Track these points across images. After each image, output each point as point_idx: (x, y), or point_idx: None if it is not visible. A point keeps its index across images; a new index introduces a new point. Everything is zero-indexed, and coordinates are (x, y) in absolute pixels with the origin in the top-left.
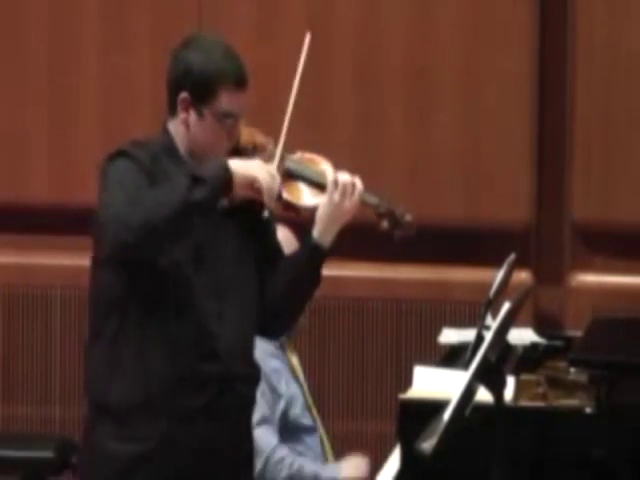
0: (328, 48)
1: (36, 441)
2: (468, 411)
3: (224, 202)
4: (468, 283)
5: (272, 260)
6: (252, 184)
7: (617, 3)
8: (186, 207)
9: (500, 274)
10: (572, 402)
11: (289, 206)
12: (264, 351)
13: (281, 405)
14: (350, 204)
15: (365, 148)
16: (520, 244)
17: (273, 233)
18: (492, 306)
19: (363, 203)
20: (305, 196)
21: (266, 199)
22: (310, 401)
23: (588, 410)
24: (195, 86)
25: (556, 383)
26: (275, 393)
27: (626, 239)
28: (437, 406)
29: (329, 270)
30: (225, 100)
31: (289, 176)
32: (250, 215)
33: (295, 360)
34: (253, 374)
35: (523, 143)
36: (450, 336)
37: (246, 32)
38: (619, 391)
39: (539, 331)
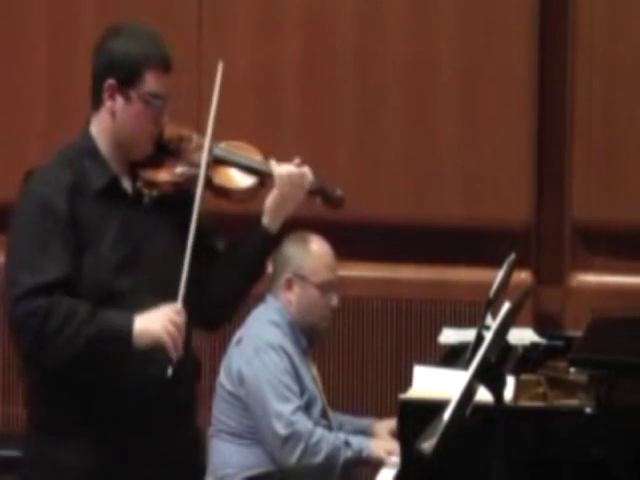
0: (328, 47)
1: None
2: (468, 411)
3: (153, 194)
4: (468, 283)
5: (208, 260)
6: (157, 343)
7: (617, 2)
8: (81, 351)
9: (500, 274)
10: (572, 402)
11: (221, 190)
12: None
13: (305, 397)
14: (301, 193)
15: (365, 147)
16: (520, 244)
17: (210, 234)
18: (492, 306)
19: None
20: (236, 179)
21: (172, 353)
22: (328, 410)
23: (588, 410)
24: (120, 70)
25: (556, 383)
26: (298, 378)
27: (626, 239)
28: (437, 406)
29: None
30: (151, 81)
31: (218, 162)
32: (177, 207)
33: (314, 370)
34: (195, 372)
35: (523, 143)
36: (450, 336)
37: (246, 32)
38: (619, 391)
39: (539, 331)
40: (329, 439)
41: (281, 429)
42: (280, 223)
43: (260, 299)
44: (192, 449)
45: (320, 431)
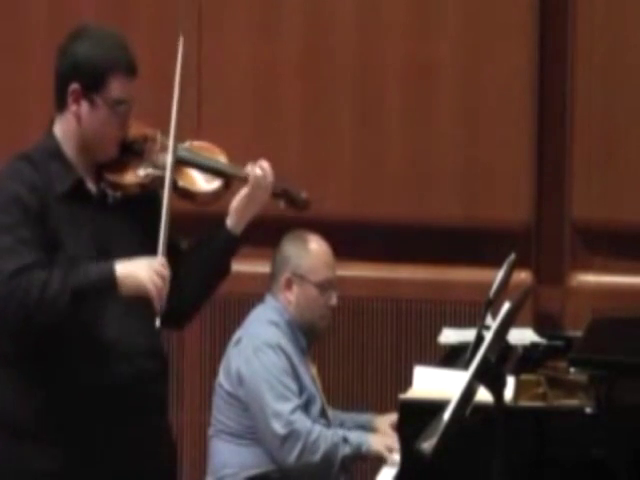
0: (328, 47)
1: None
2: (468, 411)
3: (117, 194)
4: (468, 283)
5: (172, 258)
6: (140, 293)
7: (617, 3)
8: (68, 309)
9: (500, 274)
10: (572, 402)
11: (186, 193)
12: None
13: (303, 397)
14: (265, 194)
15: (365, 147)
16: (520, 244)
17: (173, 232)
18: (492, 306)
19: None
20: (200, 182)
21: (156, 304)
22: (327, 409)
23: (588, 410)
24: (85, 75)
25: (556, 383)
26: (295, 376)
27: (626, 239)
28: (437, 406)
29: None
30: (116, 87)
31: (183, 164)
32: (143, 205)
33: (314, 369)
34: (164, 369)
35: (523, 143)
36: (450, 336)
37: (246, 32)
38: (619, 391)
39: (539, 331)
40: (327, 436)
41: (280, 428)
42: (244, 225)
43: (259, 299)
44: (163, 450)
45: (318, 429)
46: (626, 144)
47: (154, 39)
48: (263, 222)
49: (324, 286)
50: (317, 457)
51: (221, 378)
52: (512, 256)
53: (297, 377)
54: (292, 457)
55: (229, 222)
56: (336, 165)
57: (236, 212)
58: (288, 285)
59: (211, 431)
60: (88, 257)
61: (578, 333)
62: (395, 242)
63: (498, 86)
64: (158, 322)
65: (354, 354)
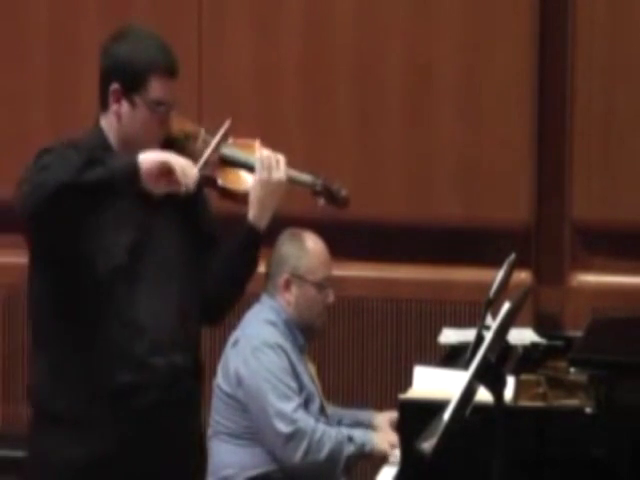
0: (328, 47)
1: None
2: (468, 411)
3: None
4: (468, 283)
5: (207, 246)
6: (162, 169)
7: (617, 2)
8: (73, 183)
9: (500, 274)
10: (572, 402)
11: (225, 192)
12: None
13: (303, 395)
14: (277, 177)
15: (365, 148)
16: (520, 244)
17: (208, 217)
18: (492, 306)
19: (299, 183)
20: (240, 181)
21: (181, 179)
22: (326, 407)
23: (588, 410)
24: (126, 75)
25: (556, 383)
26: (295, 375)
27: (626, 239)
28: (437, 406)
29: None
30: (156, 88)
31: (223, 162)
32: (187, 203)
33: (312, 368)
34: (197, 365)
35: (523, 143)
36: (450, 336)
37: (246, 32)
38: (619, 391)
39: (539, 331)
40: (331, 435)
41: (284, 427)
42: (266, 216)
43: (255, 298)
44: (192, 449)
45: (322, 427)
46: (626, 144)
47: None
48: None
49: (323, 285)
50: (322, 455)
51: (219, 379)
52: (512, 256)
53: (296, 376)
54: (297, 456)
55: (250, 214)
56: (336, 165)
57: (253, 203)
58: (287, 286)
59: (210, 432)
60: (126, 253)
61: (578, 333)
62: (395, 242)
63: (498, 86)
64: (184, 188)
65: (354, 354)
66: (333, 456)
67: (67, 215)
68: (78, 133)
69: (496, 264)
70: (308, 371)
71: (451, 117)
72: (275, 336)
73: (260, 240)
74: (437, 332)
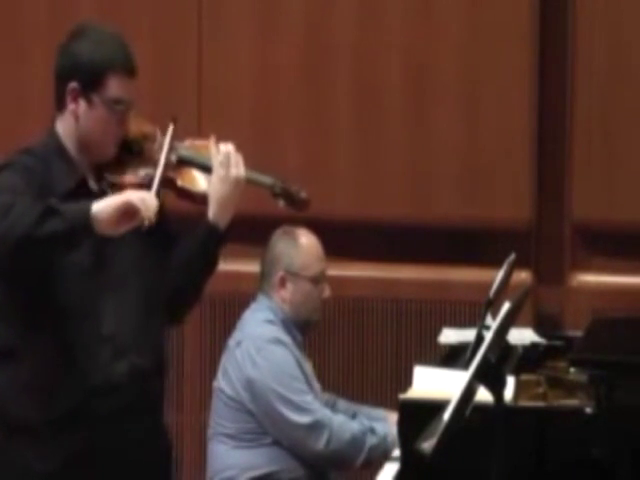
0: (328, 47)
1: None
2: (468, 411)
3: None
4: (468, 283)
5: (166, 246)
6: (124, 212)
7: (617, 3)
8: (32, 238)
9: (500, 274)
10: (572, 402)
11: (184, 193)
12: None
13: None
14: (235, 173)
15: (365, 147)
16: (520, 244)
17: (165, 216)
18: (492, 306)
19: (259, 184)
20: (199, 182)
21: (143, 213)
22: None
23: (588, 410)
24: (83, 74)
25: (556, 383)
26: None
27: (626, 239)
28: (437, 406)
29: (330, 270)
30: (114, 86)
31: (182, 163)
32: None
33: (309, 365)
34: (161, 366)
35: (523, 143)
36: (450, 336)
37: (246, 32)
38: (619, 391)
39: (539, 331)
40: (352, 424)
41: (303, 419)
42: (226, 214)
43: (252, 298)
44: (158, 452)
45: (341, 417)
46: (626, 144)
47: (154, 39)
48: (263, 221)
49: (317, 279)
50: (345, 443)
51: (221, 382)
52: (512, 256)
53: (302, 369)
54: (320, 445)
55: (209, 213)
56: (336, 165)
57: (212, 201)
58: (282, 283)
59: (209, 433)
60: (87, 258)
61: (578, 333)
62: (395, 242)
63: (498, 86)
64: (147, 222)
65: (354, 354)
66: (356, 444)
67: (27, 263)
68: (33, 139)
69: (496, 264)
70: (308, 367)
71: (451, 117)
72: (276, 332)
73: (221, 239)
74: (437, 332)
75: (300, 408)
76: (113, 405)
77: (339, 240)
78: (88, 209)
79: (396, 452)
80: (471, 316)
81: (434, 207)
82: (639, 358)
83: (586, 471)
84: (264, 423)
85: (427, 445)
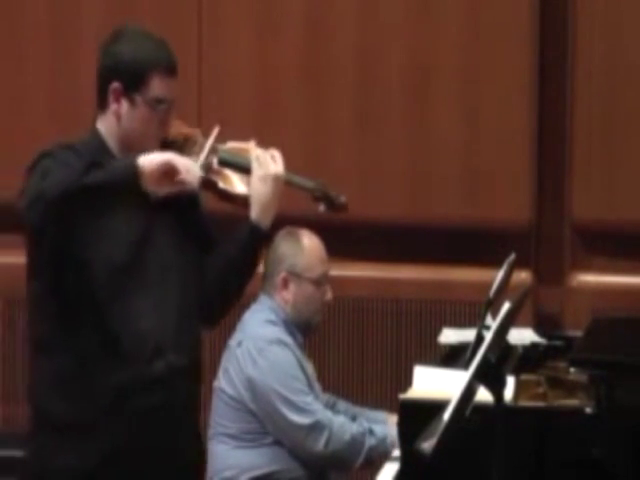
0: (328, 47)
1: None
2: (468, 411)
3: (159, 194)
4: (468, 283)
5: (205, 248)
6: (165, 169)
7: (617, 3)
8: (77, 188)
9: (500, 274)
10: (572, 402)
11: (226, 195)
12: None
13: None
14: (274, 171)
15: (365, 148)
16: (520, 244)
17: (205, 217)
18: (492, 306)
19: (299, 187)
20: (240, 184)
21: (185, 178)
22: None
23: (588, 410)
24: (126, 74)
25: (556, 383)
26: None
27: (626, 239)
28: (437, 406)
29: (330, 270)
30: (156, 86)
31: (223, 165)
32: (182, 206)
33: (310, 366)
34: (198, 366)
35: (523, 143)
36: (450, 336)
37: (246, 32)
38: (619, 391)
39: (539, 331)
40: (352, 425)
41: (303, 420)
42: (268, 215)
43: (253, 299)
44: (191, 452)
45: (341, 418)
46: (626, 144)
47: None
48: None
49: (320, 281)
50: (344, 445)
51: (222, 382)
52: (512, 256)
53: (303, 370)
54: (320, 446)
55: (252, 213)
56: (336, 165)
57: (254, 201)
58: (284, 284)
59: (210, 433)
60: (127, 254)
61: (578, 333)
62: (395, 242)
63: (498, 86)
64: (189, 188)
65: (354, 354)
66: (355, 446)
67: (70, 221)
68: (76, 137)
69: (496, 264)
70: (310, 368)
71: (451, 117)
72: (277, 333)
73: (263, 240)
74: (437, 332)
75: (300, 409)
76: (149, 403)
77: (339, 240)
78: (134, 160)
79: (396, 452)
80: (471, 316)
81: (434, 207)
82: (639, 358)
83: (586, 471)
84: (265, 423)
85: (427, 445)
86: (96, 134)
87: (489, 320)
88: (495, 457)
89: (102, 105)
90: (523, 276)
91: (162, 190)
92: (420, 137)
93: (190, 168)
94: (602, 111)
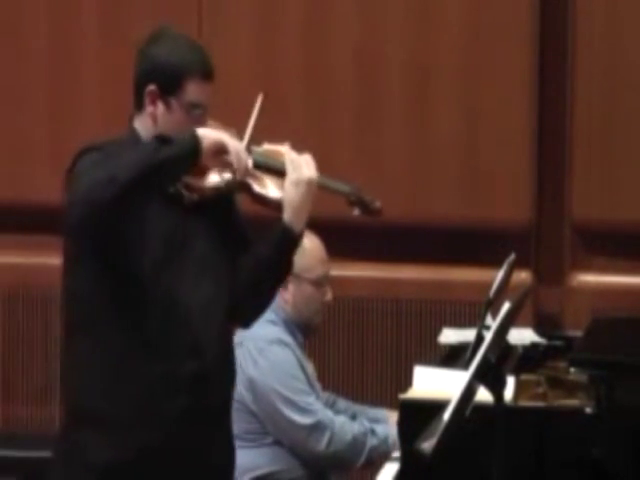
0: (328, 48)
1: (36, 441)
2: (468, 411)
3: (194, 197)
4: (468, 283)
5: (240, 247)
6: (220, 148)
7: (617, 3)
8: (151, 165)
9: (500, 274)
10: (572, 402)
11: (259, 198)
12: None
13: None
14: (308, 175)
15: (365, 147)
16: (520, 244)
17: (240, 220)
18: (492, 306)
19: (334, 192)
20: (274, 188)
21: (235, 161)
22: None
23: (588, 410)
24: (162, 77)
25: (556, 383)
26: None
27: (626, 239)
28: (437, 406)
29: (330, 270)
30: (192, 91)
31: (257, 168)
32: (218, 205)
33: (311, 365)
34: (232, 368)
35: (523, 143)
36: (450, 336)
37: (246, 32)
38: (619, 391)
39: (539, 331)
40: (353, 425)
41: (304, 420)
42: (300, 218)
43: None
44: (222, 454)
45: (342, 418)
46: (626, 144)
47: None
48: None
49: (320, 282)
50: (345, 445)
51: None
52: (512, 256)
53: (303, 370)
54: (321, 446)
55: (285, 215)
56: (336, 165)
57: (287, 204)
58: (284, 285)
59: None
60: (162, 254)
61: (578, 333)
62: (395, 242)
63: (498, 86)
64: (239, 176)
65: (354, 354)
66: (356, 446)
67: (138, 202)
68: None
69: (496, 264)
70: (310, 368)
71: (451, 117)
72: (278, 333)
73: (295, 243)
74: (437, 332)
75: (301, 409)
76: (183, 404)
77: (339, 240)
78: (194, 132)
79: (396, 452)
80: (471, 316)
81: (434, 207)
82: (639, 358)
83: (586, 471)
84: (266, 423)
85: (427, 445)
86: (133, 133)
87: (489, 320)
88: (495, 457)
89: (138, 106)
90: (523, 276)
91: (212, 165)
92: (420, 137)
93: (240, 152)
94: (602, 111)
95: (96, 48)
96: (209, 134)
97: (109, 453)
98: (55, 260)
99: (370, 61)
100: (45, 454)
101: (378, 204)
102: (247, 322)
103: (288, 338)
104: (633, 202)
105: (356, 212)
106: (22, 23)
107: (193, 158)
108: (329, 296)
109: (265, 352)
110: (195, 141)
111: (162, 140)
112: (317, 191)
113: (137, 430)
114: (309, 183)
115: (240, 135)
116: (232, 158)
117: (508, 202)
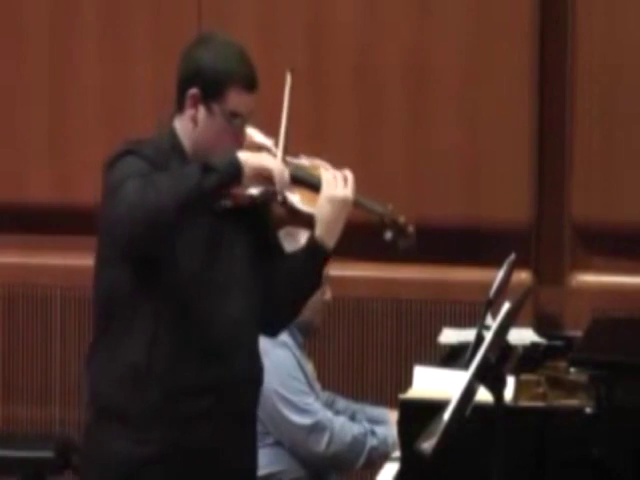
0: (328, 48)
1: (36, 441)
2: (468, 411)
3: (228, 203)
4: (468, 283)
5: (272, 257)
6: (261, 173)
7: (617, 3)
8: (197, 195)
9: (500, 274)
10: (572, 402)
11: (293, 211)
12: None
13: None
14: (343, 194)
15: (365, 148)
16: (520, 244)
17: (273, 230)
18: (492, 306)
19: (368, 211)
20: (308, 201)
21: (278, 183)
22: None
23: (588, 410)
24: (205, 82)
25: (556, 383)
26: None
27: (626, 239)
28: (437, 406)
29: (330, 270)
30: (233, 100)
31: (294, 181)
32: (251, 213)
33: (310, 366)
34: (257, 374)
35: (523, 143)
36: (450, 336)
37: (246, 32)
38: (619, 391)
39: (539, 331)
40: (353, 426)
41: (304, 420)
42: (333, 233)
43: None
44: (248, 458)
45: (341, 418)
46: (626, 144)
47: (154, 39)
48: None
49: None
50: (345, 445)
51: None
52: (512, 256)
53: (303, 370)
54: (321, 447)
55: (317, 231)
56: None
57: (320, 220)
58: None
59: None
60: (195, 261)
61: (578, 333)
62: (399, 251)
63: (498, 87)
64: (280, 197)
65: (354, 354)
66: (356, 446)
67: (181, 223)
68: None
69: (496, 264)
70: (309, 368)
71: (451, 117)
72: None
73: (325, 258)
74: (437, 332)
75: (301, 409)
76: (208, 408)
77: (339, 240)
78: (236, 158)
79: (396, 452)
80: (471, 316)
81: (434, 207)
82: (639, 358)
83: (586, 471)
84: (266, 424)
85: (427, 445)
86: (172, 133)
87: (489, 320)
88: (495, 457)
89: (180, 107)
90: (523, 276)
91: (253, 183)
92: (420, 137)
93: (282, 175)
94: (602, 111)
95: (96, 48)
96: (251, 161)
97: (135, 449)
98: (55, 260)
99: (370, 61)
100: (45, 454)
101: (411, 229)
102: (274, 332)
103: (288, 339)
104: (633, 202)
105: (388, 236)
106: (22, 23)
107: (235, 184)
108: (328, 295)
109: (268, 354)
110: (238, 169)
111: (206, 168)
112: (352, 209)
113: (161, 428)
114: (344, 201)
115: (277, 144)
116: (275, 180)
117: (508, 202)
